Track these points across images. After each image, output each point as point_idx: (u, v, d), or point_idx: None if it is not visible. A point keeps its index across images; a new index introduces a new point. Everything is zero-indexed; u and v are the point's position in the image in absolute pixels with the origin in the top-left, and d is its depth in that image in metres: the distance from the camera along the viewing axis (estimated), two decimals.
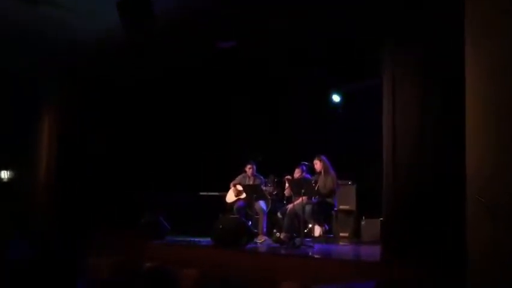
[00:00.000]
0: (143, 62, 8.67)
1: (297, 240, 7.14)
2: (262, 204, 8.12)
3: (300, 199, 7.34)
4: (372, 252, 6.61)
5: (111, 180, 9.55)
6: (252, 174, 8.53)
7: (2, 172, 9.92)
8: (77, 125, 9.49)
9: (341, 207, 8.55)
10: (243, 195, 8.35)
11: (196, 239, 7.76)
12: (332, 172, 7.63)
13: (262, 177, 8.59)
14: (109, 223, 8.78)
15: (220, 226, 7.04)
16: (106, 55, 8.38)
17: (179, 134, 10.36)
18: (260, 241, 7.70)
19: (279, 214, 7.86)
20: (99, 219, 8.86)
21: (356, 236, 8.46)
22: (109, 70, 9.12)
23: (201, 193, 9.61)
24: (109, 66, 8.96)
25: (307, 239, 7.47)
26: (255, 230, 7.67)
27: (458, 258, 4.38)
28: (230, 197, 8.61)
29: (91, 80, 9.34)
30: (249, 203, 8.19)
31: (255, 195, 7.85)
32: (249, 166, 8.51)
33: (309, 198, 7.53)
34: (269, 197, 8.25)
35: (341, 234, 8.50)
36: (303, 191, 7.14)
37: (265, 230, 8.01)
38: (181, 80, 9.63)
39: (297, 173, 8.07)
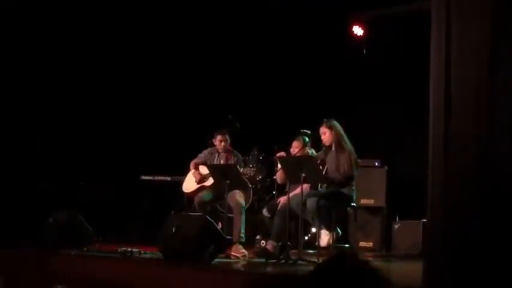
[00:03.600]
0: None
1: (293, 253, 7.16)
2: (239, 195, 8.12)
3: (299, 188, 7.29)
4: (409, 271, 6.71)
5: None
6: (225, 149, 8.55)
7: None
8: None
9: (363, 201, 8.74)
10: (209, 182, 8.36)
11: (135, 250, 7.70)
12: (349, 146, 7.56)
13: (239, 154, 8.62)
14: (2, 227, 8.84)
15: (173, 230, 7.03)
16: None
17: (102, 87, 10.46)
18: (235, 253, 7.72)
19: (265, 212, 7.89)
20: None
21: (385, 246, 8.71)
22: None
23: (143, 177, 9.69)
24: None
25: (309, 251, 7.52)
26: (228, 237, 7.62)
27: None
28: (189, 184, 8.62)
29: None
30: (218, 193, 8.19)
31: (228, 182, 7.77)
32: (219, 137, 8.51)
33: (313, 186, 7.55)
34: (250, 185, 8.26)
35: (362, 243, 8.75)
36: (303, 175, 7.10)
37: (243, 236, 7.98)
38: None
39: (295, 147, 8.11)
